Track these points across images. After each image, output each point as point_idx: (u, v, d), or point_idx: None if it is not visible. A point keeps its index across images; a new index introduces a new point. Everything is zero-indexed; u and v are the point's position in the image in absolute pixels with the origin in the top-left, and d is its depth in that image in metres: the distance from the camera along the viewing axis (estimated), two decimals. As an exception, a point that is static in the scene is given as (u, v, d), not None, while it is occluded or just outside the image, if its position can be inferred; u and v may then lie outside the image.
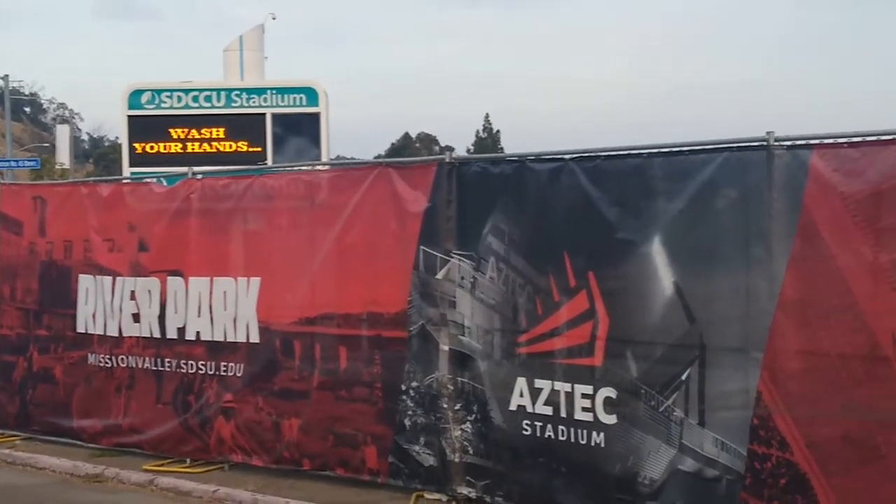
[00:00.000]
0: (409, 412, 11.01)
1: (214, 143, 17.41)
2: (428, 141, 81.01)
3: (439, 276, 10.64)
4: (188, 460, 12.56)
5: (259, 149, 17.46)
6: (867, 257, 8.03)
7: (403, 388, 11.00)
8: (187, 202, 12.87)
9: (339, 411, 11.53)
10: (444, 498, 10.60)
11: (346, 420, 11.47)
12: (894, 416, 7.92)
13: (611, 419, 9.41)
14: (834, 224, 8.16)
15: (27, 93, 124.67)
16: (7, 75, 60.71)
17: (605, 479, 9.50)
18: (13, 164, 42.92)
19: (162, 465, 12.46)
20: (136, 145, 17.85)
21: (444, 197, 10.66)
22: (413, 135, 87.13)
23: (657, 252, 9.18)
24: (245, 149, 17.26)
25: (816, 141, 8.52)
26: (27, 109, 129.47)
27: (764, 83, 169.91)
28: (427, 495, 10.67)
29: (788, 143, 8.51)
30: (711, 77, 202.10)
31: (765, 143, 8.55)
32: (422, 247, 10.72)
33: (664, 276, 9.15)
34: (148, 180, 14.17)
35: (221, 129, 17.39)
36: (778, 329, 8.43)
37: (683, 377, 9.00)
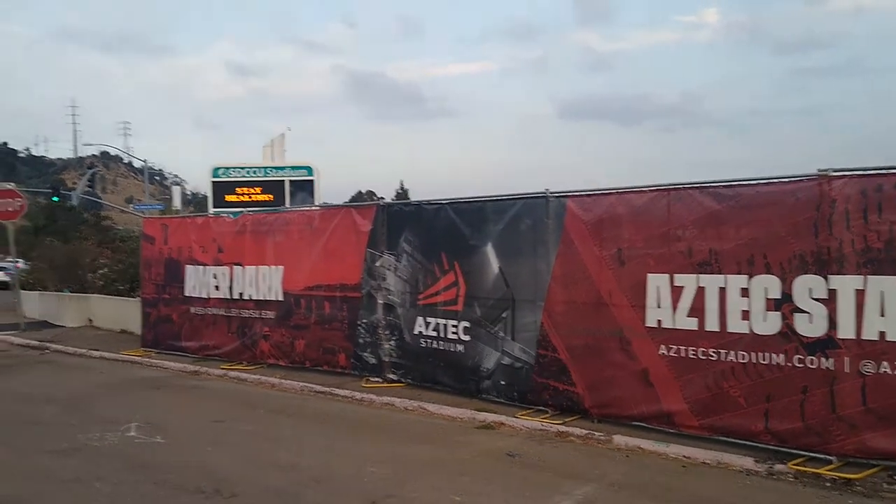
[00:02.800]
0: (361, 335, 11.43)
1: (256, 196, 17.71)
2: (370, 194, 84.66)
3: (377, 264, 11.14)
4: (244, 362, 13.04)
5: (280, 199, 17.91)
6: (595, 252, 8.62)
7: (358, 323, 11.43)
8: (244, 226, 13.34)
9: (324, 335, 11.95)
10: (381, 380, 11.07)
11: (328, 340, 11.90)
12: (607, 333, 8.46)
13: (466, 338, 10.00)
14: (579, 235, 8.79)
15: (157, 168, 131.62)
16: (146, 160, 63.41)
17: (464, 369, 10.03)
18: (148, 207, 44.20)
19: (231, 366, 12.91)
20: (216, 197, 18.29)
21: (380, 222, 11.17)
22: (363, 190, 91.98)
23: (490, 251, 9.75)
24: (273, 199, 17.45)
25: (571, 193, 8.98)
26: (157, 178, 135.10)
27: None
28: (371, 379, 11.15)
29: (557, 194, 9.03)
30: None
31: (545, 195, 9.12)
32: (368, 249, 11.27)
33: (494, 263, 9.69)
34: (223, 215, 14.30)
35: (260, 188, 17.67)
36: (551, 290, 9.02)
37: (504, 315, 9.54)
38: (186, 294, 14.17)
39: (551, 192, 9.13)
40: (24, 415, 9.78)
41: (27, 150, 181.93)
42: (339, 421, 9.36)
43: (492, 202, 9.86)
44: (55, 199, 56.73)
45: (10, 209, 19.81)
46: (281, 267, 12.71)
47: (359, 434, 8.65)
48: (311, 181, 18.34)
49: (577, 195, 8.96)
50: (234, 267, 13.41)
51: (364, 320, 11.43)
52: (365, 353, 11.45)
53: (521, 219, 9.41)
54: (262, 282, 12.93)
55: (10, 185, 22.74)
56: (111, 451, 7.95)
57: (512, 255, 9.56)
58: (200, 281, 13.93)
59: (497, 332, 9.68)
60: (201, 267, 13.95)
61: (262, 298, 12.96)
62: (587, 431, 8.23)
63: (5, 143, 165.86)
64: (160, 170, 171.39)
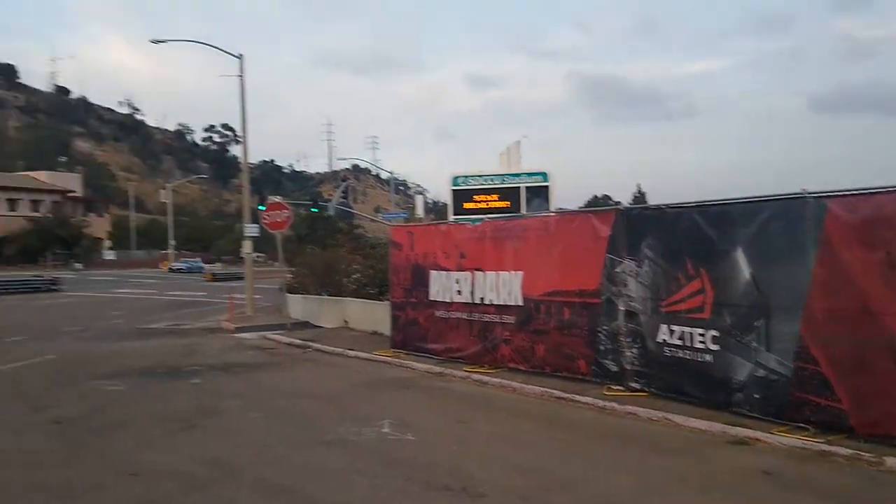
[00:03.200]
0: (602, 342, 11.30)
1: (493, 203, 17.89)
2: (606, 199, 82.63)
3: (617, 269, 10.98)
4: (485, 365, 13.14)
5: (517, 206, 17.94)
6: (861, 257, 8.06)
7: (598, 329, 11.32)
8: (483, 233, 13.58)
9: (564, 341, 11.89)
10: (622, 388, 10.87)
11: (568, 346, 11.83)
12: (877, 344, 7.80)
13: (715, 348, 9.60)
14: (842, 238, 8.23)
15: (402, 179, 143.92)
16: (392, 171, 68.97)
17: (712, 380, 9.64)
18: (394, 215, 47.16)
19: (473, 368, 13.08)
20: (456, 205, 18.77)
21: (619, 227, 11.03)
22: (598, 195, 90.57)
23: (740, 256, 9.33)
24: (509, 206, 17.56)
25: (833, 193, 8.46)
26: (401, 188, 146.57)
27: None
28: (613, 386, 10.95)
29: (816, 194, 8.53)
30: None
31: (802, 195, 8.65)
32: (607, 254, 11.14)
33: (744, 269, 9.27)
34: (463, 222, 14.66)
35: (497, 195, 17.79)
36: (810, 297, 8.50)
37: (757, 324, 9.10)
38: (431, 298, 14.63)
39: (810, 193, 8.66)
40: (293, 409, 10.76)
41: (290, 165, 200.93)
42: (581, 428, 9.36)
43: (741, 204, 9.49)
44: (314, 210, 62.40)
45: (278, 220, 22.02)
46: (520, 272, 12.88)
47: (602, 442, 8.60)
48: (546, 187, 18.39)
49: (839, 195, 8.43)
50: (476, 272, 13.76)
51: (604, 327, 11.31)
52: (606, 361, 11.32)
53: (775, 221, 8.99)
54: (503, 287, 13.19)
55: (278, 199, 25.24)
56: (368, 445, 8.53)
57: (765, 261, 9.12)
58: (444, 285, 14.41)
59: (749, 342, 9.24)
60: (445, 272, 14.38)
61: (502, 303, 13.14)
62: (853, 452, 7.66)
63: (272, 160, 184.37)
64: (404, 180, 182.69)
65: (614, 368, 11.22)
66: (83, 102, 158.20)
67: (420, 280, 15.06)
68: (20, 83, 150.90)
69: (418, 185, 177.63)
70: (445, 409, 10.61)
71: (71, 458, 7.91)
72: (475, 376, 12.84)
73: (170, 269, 50.31)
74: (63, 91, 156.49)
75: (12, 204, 75.46)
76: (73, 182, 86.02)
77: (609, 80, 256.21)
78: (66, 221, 73.23)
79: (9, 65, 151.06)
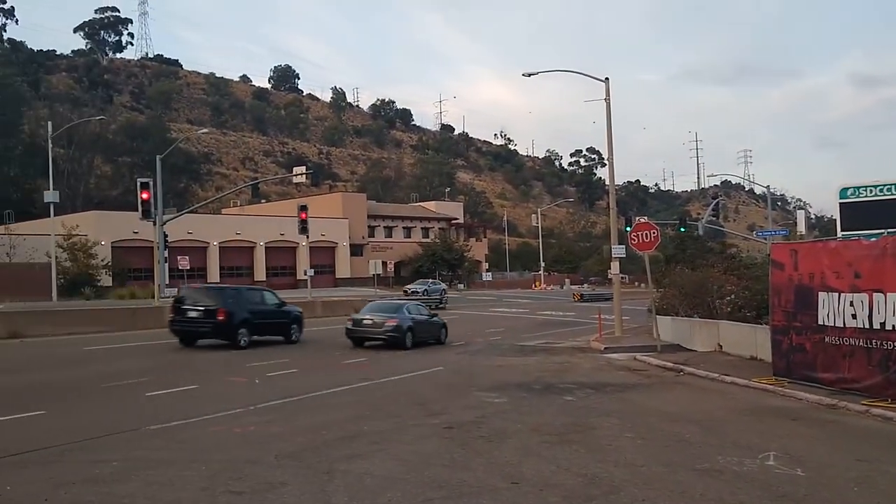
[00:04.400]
0: None
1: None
2: None
3: None
4: (889, 399, 11.87)
5: None
6: None
7: None
8: (884, 249, 12.41)
9: None
10: None
11: None
12: None
13: None
14: None
15: (778, 194, 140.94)
16: (767, 185, 64.92)
17: None
18: (771, 233, 44.17)
19: (872, 402, 11.94)
20: (846, 219, 16.52)
21: None
22: None
23: None
24: None
25: None
26: (779, 203, 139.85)
27: None
28: None
29: None
30: None
31: None
32: None
33: None
34: (856, 238, 13.73)
35: None
36: None
37: None
38: (819, 322, 13.60)
39: None
40: (667, 431, 10.57)
41: (656, 185, 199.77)
42: None
43: None
44: (682, 229, 60.91)
45: (645, 240, 21.91)
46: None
47: None
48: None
49: None
50: (874, 293, 12.43)
51: None
52: None
53: None
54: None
55: (645, 219, 25.16)
56: (751, 476, 8.08)
57: None
58: (834, 308, 13.24)
59: None
60: (835, 293, 13.26)
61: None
62: None
63: (637, 181, 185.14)
64: (782, 195, 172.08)
65: None
66: (464, 137, 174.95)
67: (805, 302, 13.99)
68: (414, 125, 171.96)
69: (798, 200, 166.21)
70: (840, 445, 9.80)
71: (461, 461, 8.63)
72: (876, 410, 11.65)
73: (405, 291, 50.17)
74: (447, 129, 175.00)
75: (408, 231, 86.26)
76: (456, 210, 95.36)
77: None
78: (451, 246, 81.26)
79: (405, 109, 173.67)
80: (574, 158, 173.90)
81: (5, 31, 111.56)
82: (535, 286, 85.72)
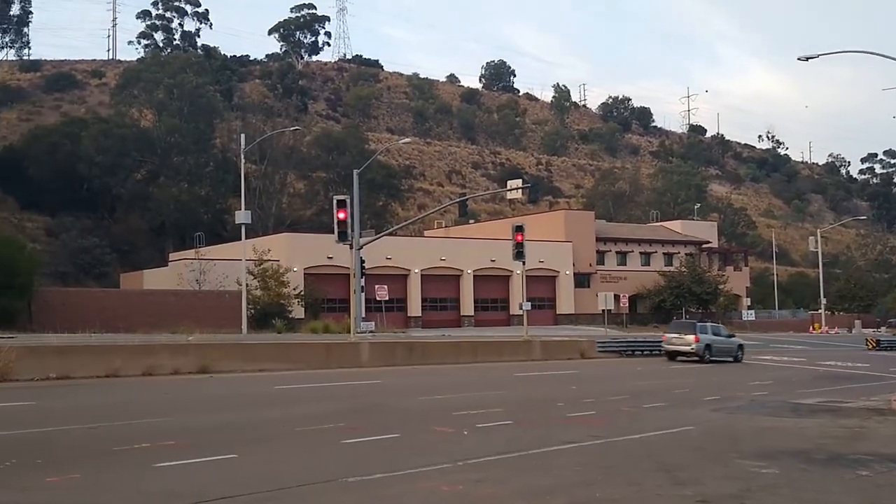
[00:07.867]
0: None
1: None
2: None
3: None
4: None
5: None
6: None
7: None
8: None
9: None
10: None
11: None
12: None
13: None
14: None
15: None
16: None
17: None
18: None
19: None
20: None
21: None
22: None
23: None
24: None
25: None
26: None
27: None
28: None
29: None
30: None
31: None
32: None
33: None
34: None
35: None
36: None
37: None
38: None
39: None
40: None
41: None
42: None
43: None
44: None
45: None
46: None
47: None
48: None
49: None
50: None
51: None
52: None
53: None
54: None
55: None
56: None
57: None
58: None
59: None
60: None
61: None
62: None
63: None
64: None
65: None
66: (719, 141, 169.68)
67: None
68: (655, 127, 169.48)
69: None
70: None
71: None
72: None
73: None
74: (697, 130, 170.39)
75: (646, 258, 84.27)
76: (707, 231, 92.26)
77: None
78: (702, 276, 78.50)
79: (644, 108, 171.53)
80: (866, 165, 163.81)
81: (199, 36, 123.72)
82: (814, 329, 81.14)
